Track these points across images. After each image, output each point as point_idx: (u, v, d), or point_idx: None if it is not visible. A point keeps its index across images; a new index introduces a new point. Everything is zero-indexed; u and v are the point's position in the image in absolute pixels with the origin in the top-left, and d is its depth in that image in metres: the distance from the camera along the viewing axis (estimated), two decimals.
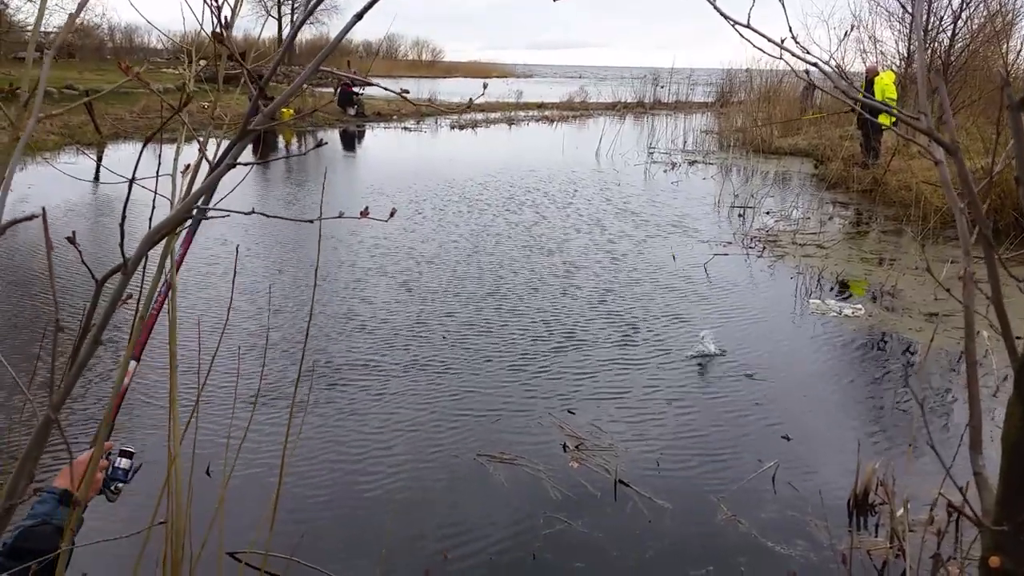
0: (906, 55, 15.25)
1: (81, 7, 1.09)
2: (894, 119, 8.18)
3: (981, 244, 1.17)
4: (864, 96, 1.48)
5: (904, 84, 14.02)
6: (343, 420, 4.02)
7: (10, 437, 3.61)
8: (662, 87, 29.50)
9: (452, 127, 21.55)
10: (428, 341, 5.14)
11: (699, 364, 4.88)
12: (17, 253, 6.87)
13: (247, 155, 1.04)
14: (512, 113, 26.39)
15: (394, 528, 3.08)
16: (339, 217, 1.16)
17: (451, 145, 18.02)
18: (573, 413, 4.15)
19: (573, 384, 4.54)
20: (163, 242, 1.63)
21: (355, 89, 21.26)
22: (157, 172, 1.46)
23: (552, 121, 24.72)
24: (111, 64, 27.56)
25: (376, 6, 0.99)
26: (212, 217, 1.11)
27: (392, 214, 1.25)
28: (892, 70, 13.77)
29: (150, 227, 1.02)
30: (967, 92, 12.70)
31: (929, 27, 13.76)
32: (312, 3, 1.08)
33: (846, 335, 5.50)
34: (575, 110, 28.52)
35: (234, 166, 0.99)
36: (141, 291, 1.46)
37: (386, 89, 1.14)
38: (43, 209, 0.93)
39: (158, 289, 1.60)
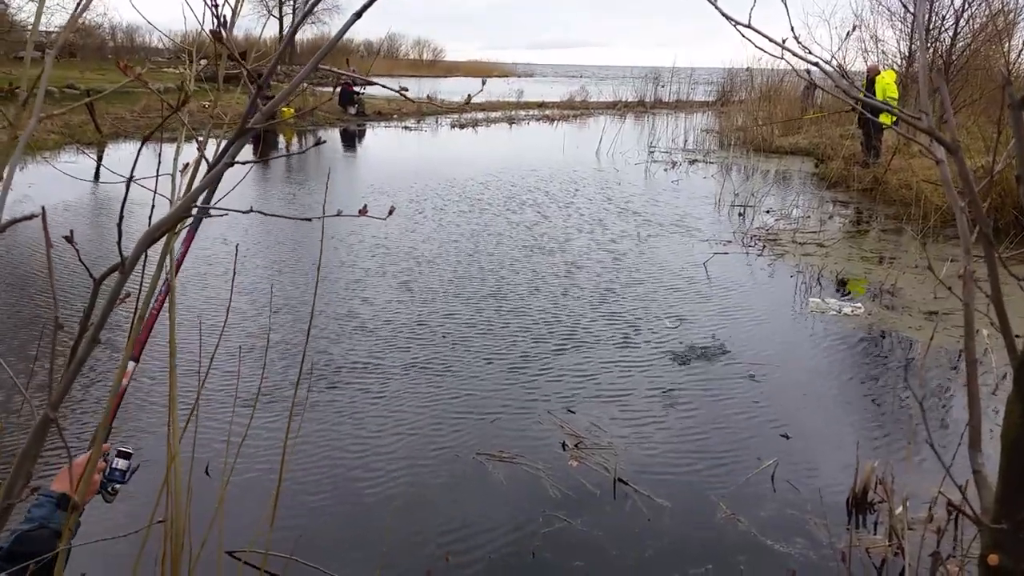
0: (907, 54, 15.26)
1: (84, 7, 1.09)
2: (895, 118, 8.17)
3: (981, 242, 1.17)
4: (865, 95, 1.48)
5: (905, 83, 14.02)
6: (343, 420, 4.02)
7: (9, 437, 3.61)
8: (663, 86, 29.48)
9: (453, 126, 21.54)
10: (428, 341, 5.14)
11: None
12: (16, 253, 6.88)
13: (247, 154, 1.05)
14: (513, 112, 26.40)
15: (394, 526, 3.08)
16: (337, 215, 1.16)
17: (452, 144, 18.02)
18: (573, 412, 4.15)
19: (573, 384, 4.54)
20: (163, 241, 1.63)
21: (356, 88, 21.26)
22: (157, 171, 1.47)
23: (553, 120, 24.72)
24: (112, 64, 27.55)
25: (377, 6, 0.99)
26: (211, 216, 1.11)
27: (391, 212, 1.25)
28: (893, 69, 13.77)
29: (149, 226, 1.02)
30: (968, 91, 12.71)
31: (931, 27, 13.76)
32: (311, 2, 1.08)
33: (846, 333, 5.50)
34: (576, 109, 28.51)
35: (232, 164, 0.99)
36: (140, 291, 1.46)
37: (386, 87, 1.13)
38: (43, 208, 0.93)
39: (158, 289, 1.60)
